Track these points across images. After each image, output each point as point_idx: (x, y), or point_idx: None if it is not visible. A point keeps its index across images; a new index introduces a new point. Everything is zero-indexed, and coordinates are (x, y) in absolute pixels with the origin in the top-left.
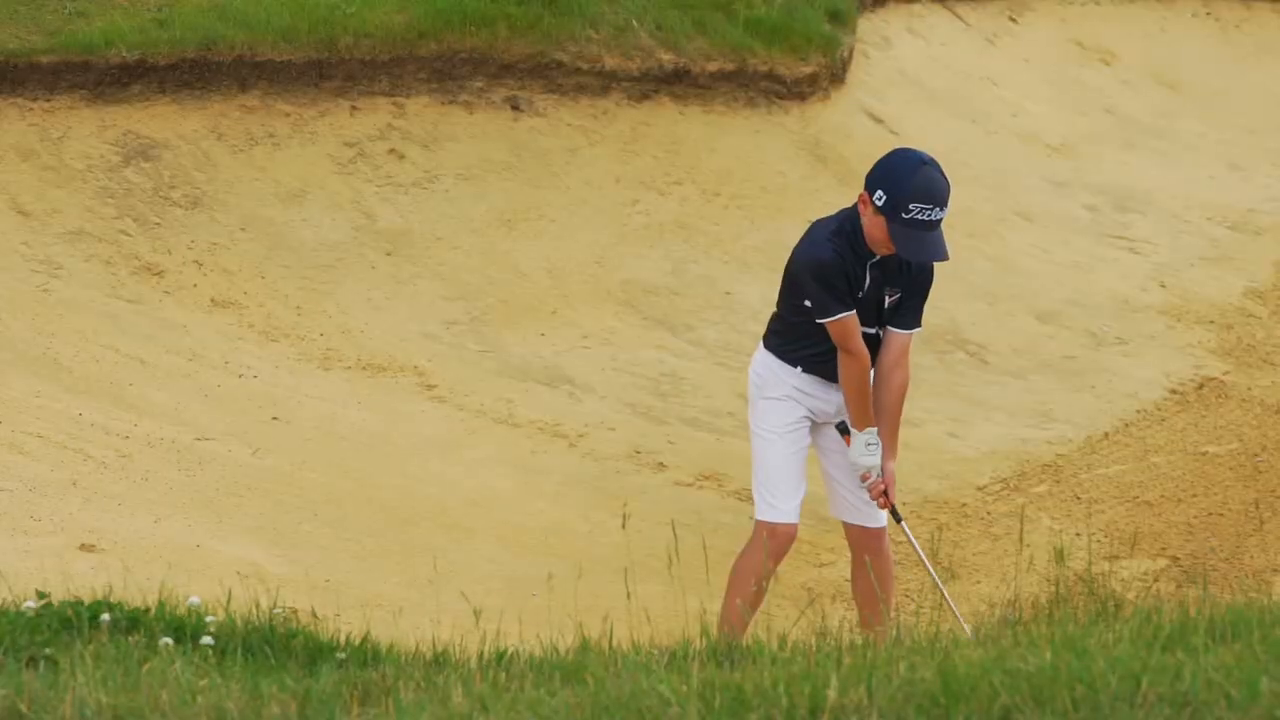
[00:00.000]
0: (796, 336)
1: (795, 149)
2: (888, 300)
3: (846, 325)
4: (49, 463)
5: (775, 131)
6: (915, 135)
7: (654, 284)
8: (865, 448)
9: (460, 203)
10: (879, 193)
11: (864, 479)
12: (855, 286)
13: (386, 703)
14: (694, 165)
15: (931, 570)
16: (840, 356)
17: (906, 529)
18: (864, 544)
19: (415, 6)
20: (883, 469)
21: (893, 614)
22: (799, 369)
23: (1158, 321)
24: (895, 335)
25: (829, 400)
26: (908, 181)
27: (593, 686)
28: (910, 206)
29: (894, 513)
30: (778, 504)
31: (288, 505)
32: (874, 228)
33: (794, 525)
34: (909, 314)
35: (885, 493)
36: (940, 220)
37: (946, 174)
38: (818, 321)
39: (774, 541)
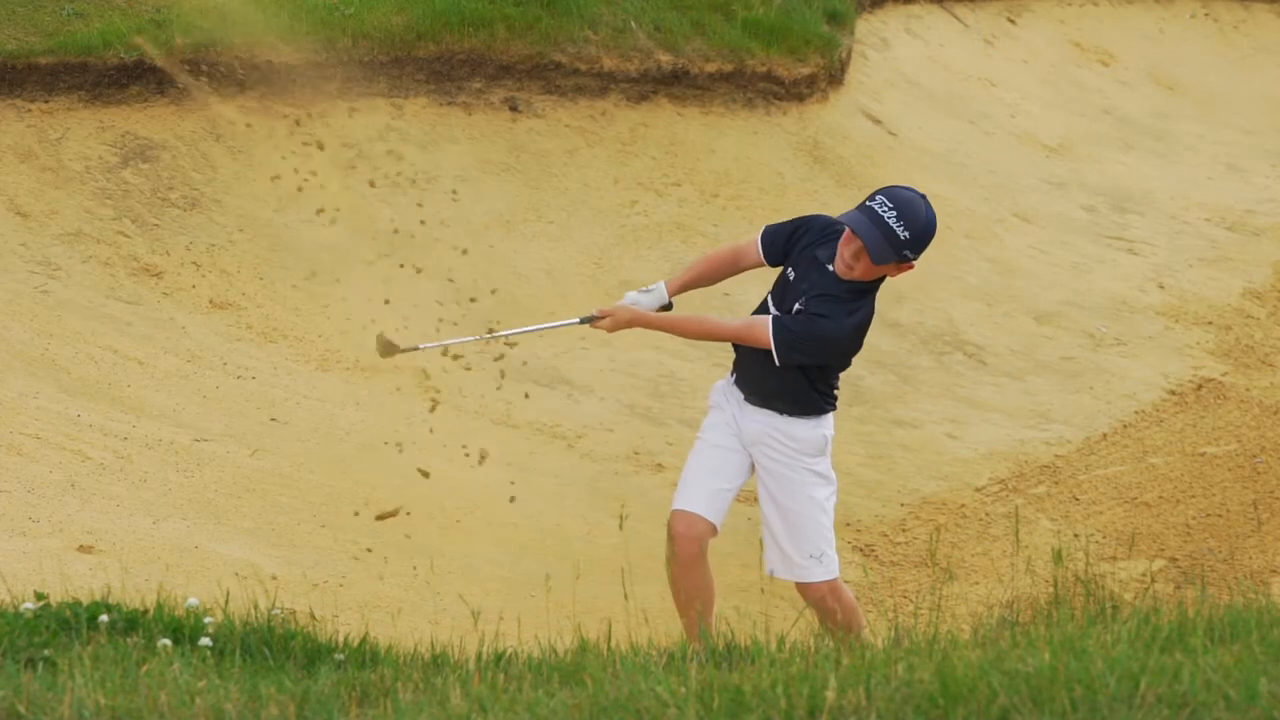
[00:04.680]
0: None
1: (793, 150)
2: (792, 298)
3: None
4: (47, 464)
5: (773, 132)
6: (913, 136)
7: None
8: (640, 291)
9: (459, 204)
10: (919, 254)
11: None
12: (792, 260)
13: (385, 704)
14: (692, 166)
15: None
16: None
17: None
18: (804, 597)
19: (414, 8)
20: (629, 309)
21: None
22: (732, 376)
23: (1156, 322)
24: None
25: (743, 414)
26: (934, 229)
27: (591, 688)
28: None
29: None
30: (678, 494)
31: (286, 506)
32: (890, 271)
33: (688, 513)
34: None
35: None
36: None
37: (944, 175)
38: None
39: (670, 534)
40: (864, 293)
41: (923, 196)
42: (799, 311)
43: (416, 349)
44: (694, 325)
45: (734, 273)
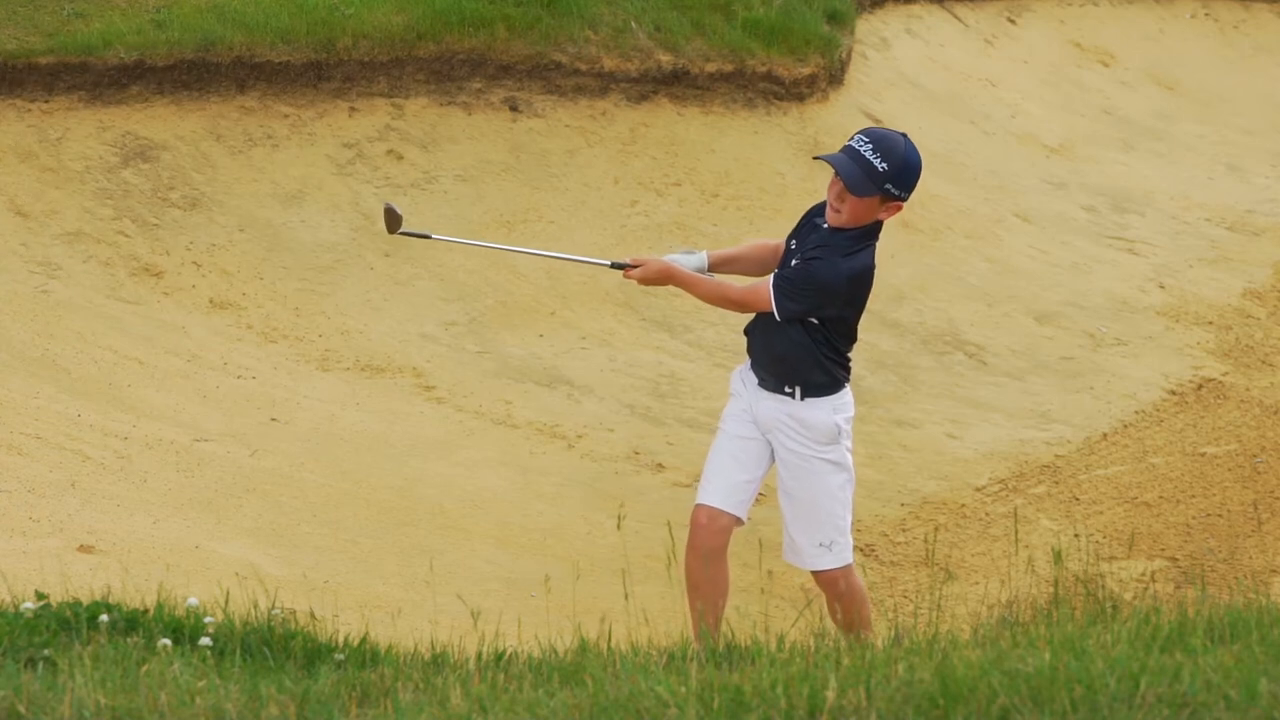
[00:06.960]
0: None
1: (794, 150)
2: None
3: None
4: (47, 464)
5: (774, 132)
6: (913, 136)
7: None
8: (683, 252)
9: (459, 204)
10: (906, 191)
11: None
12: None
13: (385, 704)
14: (693, 166)
15: None
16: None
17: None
18: (815, 580)
19: (414, 8)
20: (662, 261)
21: (868, 636)
22: (749, 362)
23: (1156, 322)
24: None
25: (757, 400)
26: (918, 165)
27: (591, 688)
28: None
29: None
30: (702, 486)
31: (286, 506)
32: (879, 212)
33: (710, 507)
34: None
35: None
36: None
37: (944, 175)
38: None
39: (692, 525)
40: (858, 239)
41: (904, 135)
42: (795, 263)
43: (428, 236)
44: (709, 288)
45: (775, 267)
